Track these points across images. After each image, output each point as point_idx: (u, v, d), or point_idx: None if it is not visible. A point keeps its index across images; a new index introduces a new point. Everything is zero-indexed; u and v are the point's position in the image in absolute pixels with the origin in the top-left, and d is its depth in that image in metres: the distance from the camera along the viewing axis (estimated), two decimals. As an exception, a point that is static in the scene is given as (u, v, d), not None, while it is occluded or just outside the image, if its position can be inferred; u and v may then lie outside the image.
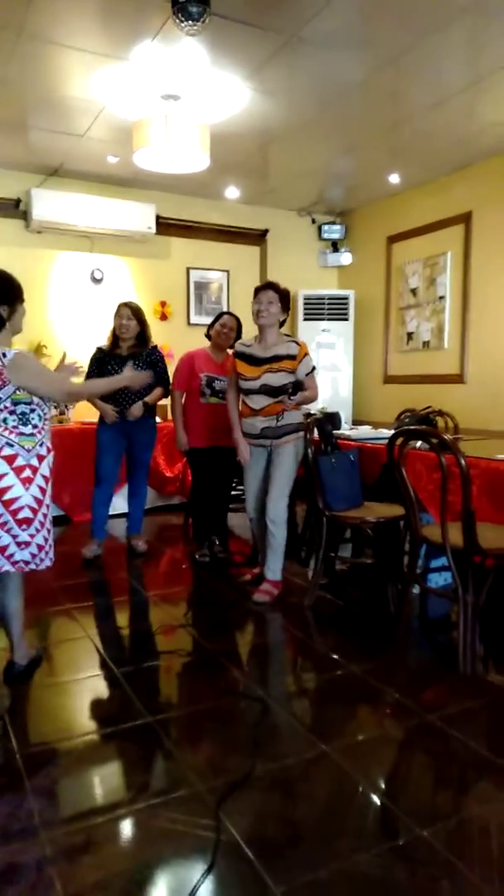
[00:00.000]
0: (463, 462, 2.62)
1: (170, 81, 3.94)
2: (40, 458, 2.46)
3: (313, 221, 6.92)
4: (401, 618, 3.07)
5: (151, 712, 2.37)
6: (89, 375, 4.11)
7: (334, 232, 6.89)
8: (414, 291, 6.16)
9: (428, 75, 3.87)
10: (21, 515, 2.38)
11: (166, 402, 4.45)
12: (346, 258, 6.93)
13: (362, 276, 6.81)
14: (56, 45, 3.54)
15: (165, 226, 6.11)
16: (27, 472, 2.39)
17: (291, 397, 3.38)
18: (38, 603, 3.41)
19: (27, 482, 2.39)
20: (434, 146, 5.02)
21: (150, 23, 3.31)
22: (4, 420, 2.38)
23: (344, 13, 3.24)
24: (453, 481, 2.68)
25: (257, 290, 3.58)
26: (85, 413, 5.30)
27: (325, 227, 6.88)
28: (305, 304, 6.68)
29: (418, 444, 3.28)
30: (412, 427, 3.05)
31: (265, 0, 3.13)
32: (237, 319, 4.19)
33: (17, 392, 2.39)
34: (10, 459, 2.36)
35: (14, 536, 2.40)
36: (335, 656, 2.85)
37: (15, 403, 2.39)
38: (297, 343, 3.55)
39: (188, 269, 6.45)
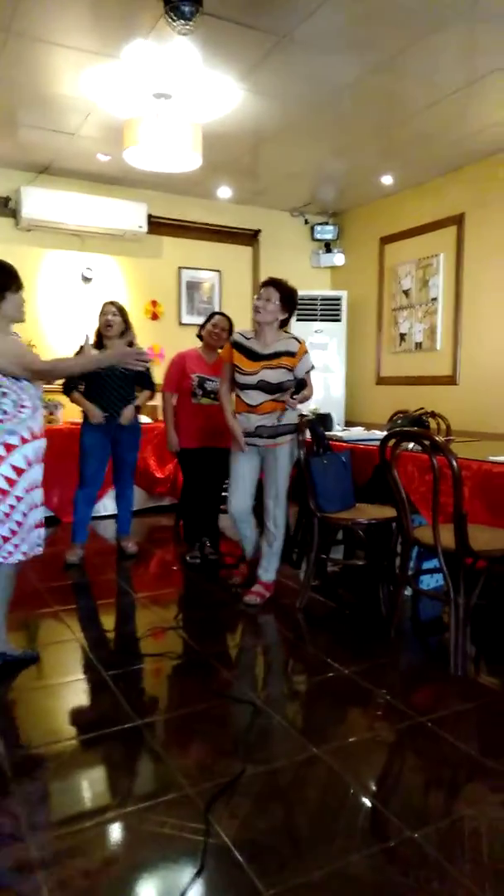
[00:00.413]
0: (455, 464, 2.62)
1: (162, 80, 3.92)
2: (8, 448, 2.36)
3: (306, 222, 6.91)
4: (392, 619, 3.07)
5: (140, 715, 2.34)
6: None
7: (327, 232, 6.88)
8: (406, 293, 6.16)
9: (421, 77, 3.88)
10: None
11: (154, 402, 4.43)
12: (338, 259, 6.93)
13: (355, 277, 6.81)
14: (46, 42, 3.52)
15: (157, 225, 6.08)
16: None
17: (294, 396, 3.35)
18: (26, 605, 3.38)
19: None
20: (427, 148, 5.03)
21: (142, 21, 3.29)
22: None
23: (337, 15, 3.23)
24: (445, 483, 2.68)
25: (261, 285, 3.53)
26: (75, 414, 5.25)
27: (318, 228, 6.88)
28: (298, 304, 6.64)
29: (410, 445, 3.28)
30: (404, 428, 3.04)
31: (258, 0, 3.12)
32: (229, 320, 4.18)
33: None
34: None
35: None
36: (326, 658, 2.84)
37: None
38: (297, 340, 3.49)
39: (179, 269, 6.42)
